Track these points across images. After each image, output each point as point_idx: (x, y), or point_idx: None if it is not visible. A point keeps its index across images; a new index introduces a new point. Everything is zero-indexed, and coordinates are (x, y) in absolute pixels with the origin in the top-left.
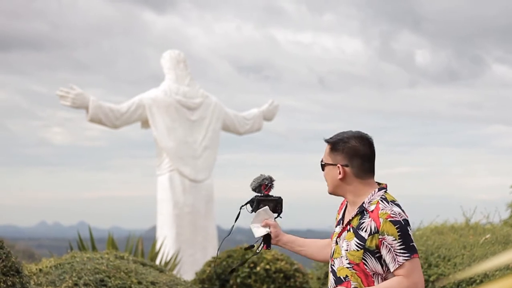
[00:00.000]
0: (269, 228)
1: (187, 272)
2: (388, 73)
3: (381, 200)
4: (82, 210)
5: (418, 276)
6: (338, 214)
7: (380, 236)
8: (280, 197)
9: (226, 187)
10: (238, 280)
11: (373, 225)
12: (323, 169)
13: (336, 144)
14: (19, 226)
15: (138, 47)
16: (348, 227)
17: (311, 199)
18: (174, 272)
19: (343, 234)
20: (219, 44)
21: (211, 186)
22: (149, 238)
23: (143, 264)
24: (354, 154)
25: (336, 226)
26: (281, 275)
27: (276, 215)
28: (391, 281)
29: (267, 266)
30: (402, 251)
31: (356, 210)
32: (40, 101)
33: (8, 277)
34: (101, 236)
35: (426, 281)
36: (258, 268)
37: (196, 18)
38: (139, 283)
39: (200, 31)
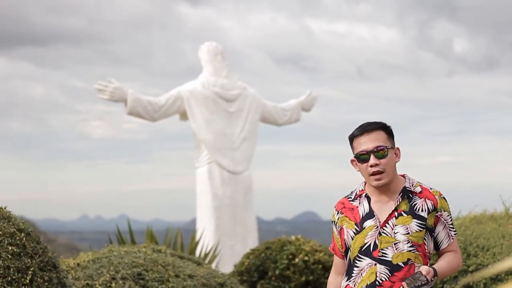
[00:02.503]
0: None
1: (227, 263)
2: (426, 62)
3: (419, 183)
4: (123, 203)
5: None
6: (351, 214)
7: (438, 213)
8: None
9: (265, 178)
10: (277, 271)
11: (429, 203)
12: (382, 156)
13: (388, 128)
14: (61, 220)
15: (174, 40)
16: (396, 213)
17: (349, 188)
18: (214, 264)
19: (390, 222)
20: (255, 36)
21: (249, 177)
22: (190, 230)
23: (181, 257)
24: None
25: (364, 222)
26: (320, 266)
27: None
28: (449, 256)
29: (306, 258)
30: (452, 226)
31: (399, 196)
32: (78, 95)
33: (45, 272)
34: (142, 228)
35: (465, 271)
36: (296, 260)
37: (230, 10)
38: (177, 276)
39: (235, 22)
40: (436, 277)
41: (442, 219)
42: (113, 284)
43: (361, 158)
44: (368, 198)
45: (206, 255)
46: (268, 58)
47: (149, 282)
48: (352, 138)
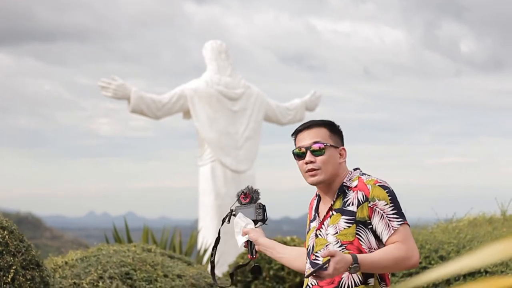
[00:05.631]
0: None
1: (229, 262)
2: (432, 62)
3: (361, 175)
4: (130, 201)
5: (414, 244)
6: (310, 213)
7: (370, 203)
8: (259, 204)
9: (269, 177)
10: (271, 272)
11: (360, 195)
12: (319, 154)
13: (333, 125)
14: (68, 217)
15: (180, 38)
16: (331, 212)
17: None
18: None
19: (325, 223)
20: (261, 34)
21: (253, 176)
22: (196, 229)
23: (171, 257)
24: (342, 137)
25: (311, 222)
26: None
27: (257, 222)
28: (387, 247)
29: None
30: (395, 215)
31: (336, 193)
32: (85, 92)
33: (28, 271)
34: (150, 226)
35: (458, 274)
36: None
37: (236, 7)
38: (165, 276)
39: (241, 21)
40: (356, 265)
41: (378, 209)
42: (101, 283)
43: (297, 154)
44: (319, 198)
45: (205, 251)
46: (273, 56)
47: (136, 281)
48: (295, 134)
